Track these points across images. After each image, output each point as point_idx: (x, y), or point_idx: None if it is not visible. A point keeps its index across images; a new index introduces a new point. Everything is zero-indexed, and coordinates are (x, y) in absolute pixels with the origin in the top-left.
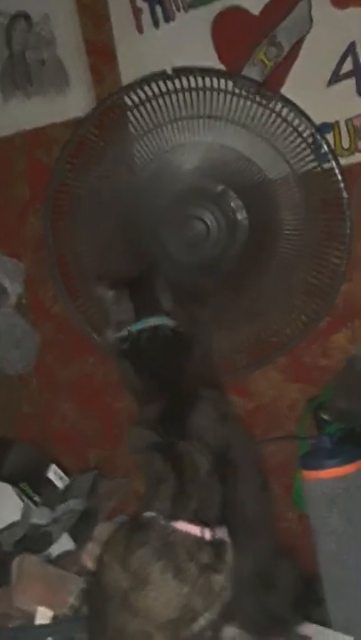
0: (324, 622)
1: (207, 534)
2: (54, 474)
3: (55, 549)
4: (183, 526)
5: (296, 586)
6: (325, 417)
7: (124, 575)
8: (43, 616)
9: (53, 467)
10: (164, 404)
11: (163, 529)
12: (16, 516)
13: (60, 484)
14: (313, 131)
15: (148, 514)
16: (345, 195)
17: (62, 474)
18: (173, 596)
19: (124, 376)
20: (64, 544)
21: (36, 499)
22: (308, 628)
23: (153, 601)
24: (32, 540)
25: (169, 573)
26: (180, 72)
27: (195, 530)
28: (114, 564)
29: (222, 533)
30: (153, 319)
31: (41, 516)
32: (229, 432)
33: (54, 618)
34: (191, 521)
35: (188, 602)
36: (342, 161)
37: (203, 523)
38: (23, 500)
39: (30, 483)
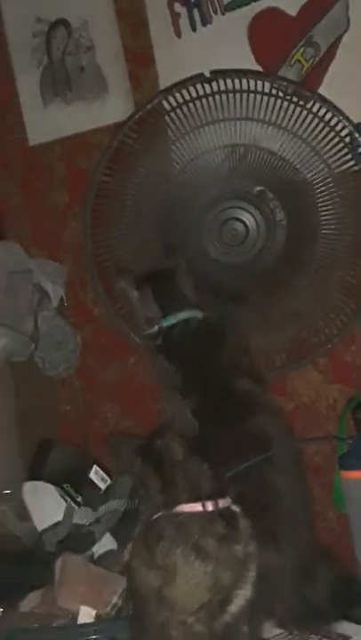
0: None
1: (209, 506)
2: (96, 475)
3: (98, 549)
4: (184, 507)
5: (335, 582)
6: None
7: (152, 574)
8: (86, 615)
9: (95, 468)
10: (199, 397)
11: (169, 518)
12: (59, 517)
13: (102, 485)
14: (351, 130)
15: (153, 516)
16: None
17: (104, 475)
18: (201, 577)
19: (159, 371)
20: (106, 544)
21: (79, 499)
22: (349, 628)
23: (184, 588)
24: (75, 539)
25: (191, 555)
26: (217, 74)
27: (196, 506)
28: (141, 567)
29: (226, 503)
30: (182, 313)
31: (83, 517)
32: (265, 423)
33: (97, 617)
34: (188, 501)
35: (216, 579)
36: None
37: (200, 498)
38: (66, 501)
39: (73, 483)
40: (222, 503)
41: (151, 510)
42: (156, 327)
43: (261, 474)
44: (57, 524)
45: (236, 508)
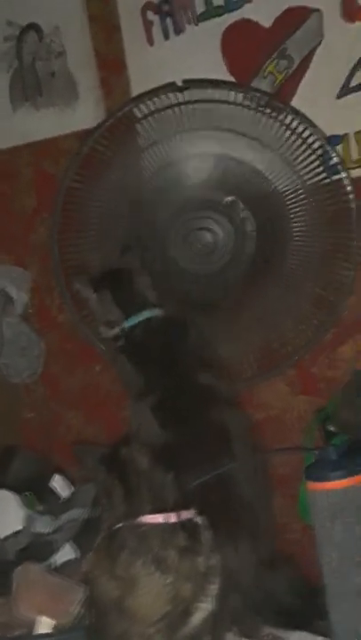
0: (328, 635)
1: (172, 518)
2: (58, 483)
3: (58, 558)
4: (147, 519)
5: (298, 585)
6: (331, 428)
7: (113, 584)
8: (44, 625)
9: (56, 476)
10: (162, 393)
11: (131, 529)
12: (19, 525)
13: (63, 494)
14: (322, 142)
15: (116, 526)
16: (353, 206)
17: (66, 483)
18: (161, 588)
19: (122, 372)
20: (67, 553)
21: (40, 507)
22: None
23: (144, 599)
24: (35, 548)
25: (152, 567)
26: (189, 84)
27: (158, 518)
28: (102, 577)
29: (189, 515)
30: (143, 314)
31: (44, 525)
32: (226, 415)
33: (56, 627)
34: (151, 511)
35: (176, 591)
36: (351, 173)
37: (163, 510)
38: (26, 509)
39: (34, 491)
40: (185, 515)
41: (114, 520)
42: (118, 329)
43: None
44: (17, 532)
45: (199, 520)
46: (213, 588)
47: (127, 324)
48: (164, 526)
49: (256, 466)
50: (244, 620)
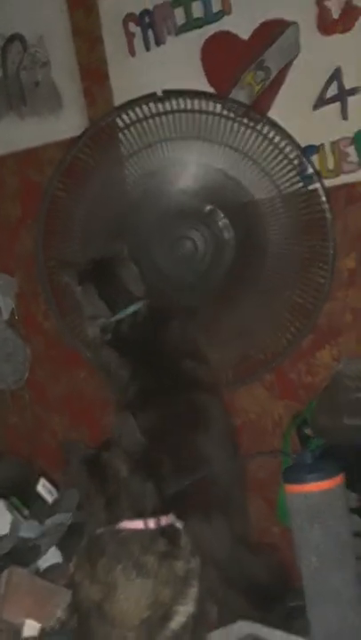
0: (306, 636)
1: (151, 524)
2: (43, 488)
3: (43, 562)
4: (127, 524)
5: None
6: (308, 433)
7: (94, 588)
8: (30, 629)
9: (43, 480)
10: (145, 380)
11: (112, 534)
12: (4, 530)
13: (49, 498)
14: (299, 153)
15: (97, 530)
16: (329, 215)
17: (51, 488)
18: (141, 593)
19: (107, 366)
20: (52, 557)
21: (25, 512)
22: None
23: (124, 604)
24: (20, 553)
25: (132, 572)
26: (169, 94)
27: (138, 524)
28: (84, 581)
29: (169, 520)
30: (129, 309)
31: (29, 530)
32: (206, 399)
33: (42, 631)
34: (131, 518)
35: (156, 595)
36: (327, 182)
37: (142, 515)
38: (12, 514)
39: (19, 496)
40: (165, 520)
41: (95, 525)
42: (103, 322)
43: (197, 448)
44: (3, 537)
45: (179, 525)
46: (193, 592)
47: (113, 318)
48: (144, 532)
49: (231, 448)
50: (218, 592)
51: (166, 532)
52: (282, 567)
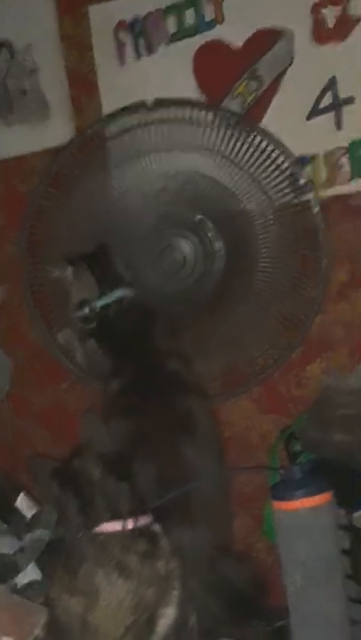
0: None
1: (129, 524)
2: (23, 503)
3: (21, 579)
4: (104, 527)
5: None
6: (297, 447)
7: (74, 600)
8: None
9: (22, 495)
10: (128, 377)
11: (90, 539)
12: None
13: (28, 514)
14: (292, 163)
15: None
16: (321, 227)
17: (31, 503)
18: (124, 595)
19: (87, 356)
20: (30, 574)
21: (3, 527)
22: None
23: (107, 611)
24: None
25: (114, 574)
26: (159, 103)
27: (116, 525)
28: (62, 595)
29: (146, 521)
30: (117, 292)
31: (7, 545)
32: (192, 403)
33: None
34: (108, 520)
35: (140, 597)
36: (320, 193)
37: (120, 516)
38: None
39: None
40: (143, 520)
41: (70, 534)
42: (87, 309)
43: (181, 452)
44: None
45: (156, 527)
46: (175, 594)
47: (99, 303)
48: (123, 533)
49: (216, 455)
50: (198, 599)
51: (145, 532)
52: (263, 579)
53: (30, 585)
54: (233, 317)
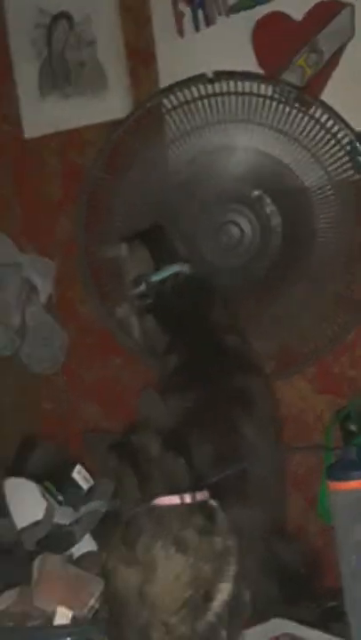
0: (346, 637)
1: (187, 498)
2: (79, 474)
3: (77, 550)
4: (162, 500)
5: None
6: (352, 428)
7: (132, 571)
8: (62, 616)
9: (78, 467)
10: (187, 353)
11: (148, 512)
12: (39, 515)
13: (84, 485)
14: (352, 138)
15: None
16: None
17: (87, 475)
18: (182, 570)
19: (148, 338)
20: (86, 545)
21: (60, 498)
22: None
23: (165, 584)
24: (54, 539)
25: (172, 548)
26: (219, 75)
27: (174, 499)
28: (120, 566)
29: (204, 496)
30: (173, 267)
31: (64, 516)
32: (250, 380)
33: (73, 619)
34: (166, 494)
35: (197, 572)
36: None
37: (178, 491)
38: (47, 499)
39: (54, 482)
40: (200, 496)
41: (128, 506)
42: (144, 285)
43: (239, 430)
44: (37, 522)
45: (213, 503)
46: (232, 570)
47: (154, 277)
48: (181, 507)
49: (274, 436)
50: (252, 577)
51: (202, 508)
52: (315, 560)
53: (86, 556)
54: (288, 296)
